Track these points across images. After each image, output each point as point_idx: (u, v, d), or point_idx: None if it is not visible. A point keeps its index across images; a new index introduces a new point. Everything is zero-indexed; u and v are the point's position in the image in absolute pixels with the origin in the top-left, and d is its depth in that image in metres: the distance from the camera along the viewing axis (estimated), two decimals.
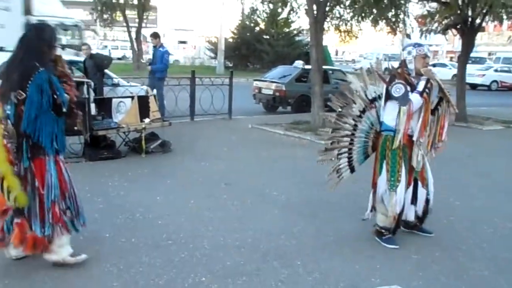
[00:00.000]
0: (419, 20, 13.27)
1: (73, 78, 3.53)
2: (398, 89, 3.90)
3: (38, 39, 3.33)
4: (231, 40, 32.94)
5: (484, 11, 11.26)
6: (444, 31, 12.55)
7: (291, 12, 12.44)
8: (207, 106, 10.92)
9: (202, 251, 3.87)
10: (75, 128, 3.73)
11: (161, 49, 10.37)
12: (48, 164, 3.31)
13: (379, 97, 4.16)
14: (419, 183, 4.15)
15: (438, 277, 3.62)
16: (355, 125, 4.21)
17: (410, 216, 4.21)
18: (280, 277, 3.51)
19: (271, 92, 13.42)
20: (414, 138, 3.99)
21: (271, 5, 12.43)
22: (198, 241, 4.06)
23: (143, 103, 7.45)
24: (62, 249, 3.44)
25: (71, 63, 8.85)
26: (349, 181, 4.52)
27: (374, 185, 4.17)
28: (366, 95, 4.20)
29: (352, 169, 4.30)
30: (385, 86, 4.03)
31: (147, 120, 7.36)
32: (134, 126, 7.20)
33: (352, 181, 4.76)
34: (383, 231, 4.17)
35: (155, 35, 10.69)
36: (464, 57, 12.68)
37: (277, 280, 3.46)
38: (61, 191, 3.37)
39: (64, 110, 3.31)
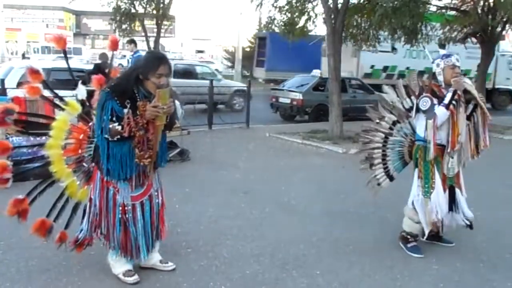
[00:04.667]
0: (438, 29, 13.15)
1: (146, 118, 3.07)
2: (425, 103, 3.96)
3: (135, 65, 3.30)
4: (248, 49, 33.07)
5: (505, 19, 11.16)
6: (463, 40, 12.44)
7: (308, 21, 12.43)
8: (224, 114, 10.98)
9: (222, 260, 3.89)
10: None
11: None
12: (97, 176, 3.34)
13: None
14: (457, 190, 4.15)
15: None
16: (386, 137, 4.30)
17: (451, 222, 4.22)
18: (299, 286, 3.50)
19: (288, 101, 13.45)
20: (446, 150, 4.00)
21: (288, 14, 12.29)
22: (217, 250, 4.08)
23: None
24: (116, 264, 3.48)
25: None
26: (368, 191, 4.51)
27: None
28: (403, 105, 4.27)
29: (390, 178, 4.37)
30: (415, 99, 4.09)
31: None
32: None
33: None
34: (408, 237, 4.17)
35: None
36: (484, 66, 12.54)
37: None
38: (99, 211, 3.34)
39: (106, 136, 3.08)
